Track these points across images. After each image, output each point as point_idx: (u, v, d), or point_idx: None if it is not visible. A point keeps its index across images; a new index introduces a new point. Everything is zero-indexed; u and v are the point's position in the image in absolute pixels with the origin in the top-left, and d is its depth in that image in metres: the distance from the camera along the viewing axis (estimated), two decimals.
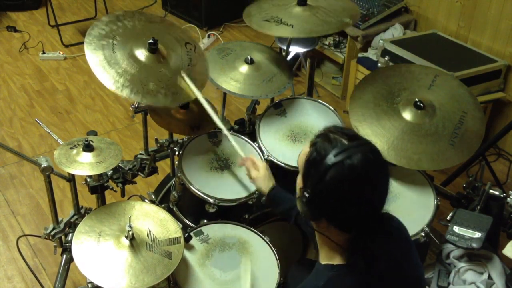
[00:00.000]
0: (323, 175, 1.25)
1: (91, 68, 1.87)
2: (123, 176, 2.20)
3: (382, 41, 3.34)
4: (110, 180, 2.15)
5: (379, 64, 3.34)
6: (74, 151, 1.94)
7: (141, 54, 1.97)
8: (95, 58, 1.89)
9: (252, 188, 2.03)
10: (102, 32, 1.98)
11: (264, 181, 1.88)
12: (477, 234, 2.04)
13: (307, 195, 1.29)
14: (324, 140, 1.30)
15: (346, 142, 1.28)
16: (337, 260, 1.34)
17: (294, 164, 2.11)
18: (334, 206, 1.28)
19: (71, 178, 2.04)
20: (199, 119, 2.14)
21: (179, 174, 2.03)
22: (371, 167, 1.27)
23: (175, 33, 2.13)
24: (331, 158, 1.25)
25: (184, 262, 1.82)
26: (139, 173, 2.25)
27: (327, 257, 1.37)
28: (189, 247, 1.87)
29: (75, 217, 2.09)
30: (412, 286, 1.45)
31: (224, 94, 2.36)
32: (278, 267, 1.85)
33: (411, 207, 2.04)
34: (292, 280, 1.86)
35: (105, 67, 1.88)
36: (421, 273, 1.52)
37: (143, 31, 2.02)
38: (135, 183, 2.30)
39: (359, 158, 1.25)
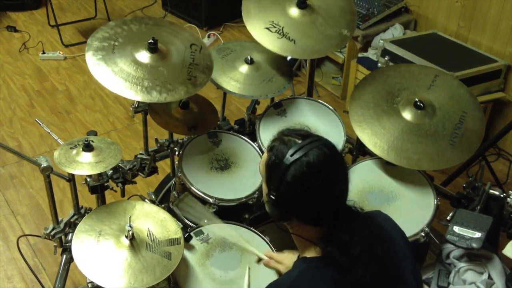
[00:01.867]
0: (283, 175, 1.32)
1: (89, 68, 1.90)
2: (123, 176, 2.20)
3: (382, 41, 3.34)
4: (110, 180, 2.15)
5: (379, 64, 3.34)
6: (74, 151, 1.94)
7: (141, 54, 1.98)
8: (93, 59, 1.94)
9: (252, 188, 2.03)
10: (106, 35, 2.03)
11: (291, 261, 1.76)
12: (477, 234, 2.04)
13: (273, 198, 1.36)
14: (280, 143, 1.38)
15: (300, 141, 1.35)
16: (311, 253, 1.40)
17: None
18: (300, 203, 1.35)
19: (71, 178, 2.04)
20: (197, 120, 2.14)
21: (179, 174, 2.03)
22: (328, 161, 1.34)
23: (181, 35, 2.15)
24: (288, 158, 1.33)
25: (184, 262, 1.82)
26: (139, 173, 2.25)
27: (303, 253, 1.44)
28: (189, 247, 1.87)
29: (75, 217, 2.09)
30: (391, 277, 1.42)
31: (224, 94, 2.36)
32: None
33: (411, 207, 2.03)
34: None
35: (101, 66, 1.92)
36: (405, 269, 1.45)
37: (147, 33, 2.04)
38: (135, 183, 2.30)
39: (315, 153, 1.32)
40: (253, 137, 2.22)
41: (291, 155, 1.32)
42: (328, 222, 1.36)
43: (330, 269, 1.34)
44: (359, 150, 2.34)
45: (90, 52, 1.98)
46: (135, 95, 1.90)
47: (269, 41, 2.19)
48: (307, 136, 1.38)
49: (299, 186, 1.33)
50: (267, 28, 2.21)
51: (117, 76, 1.91)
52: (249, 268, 1.81)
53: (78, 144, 1.96)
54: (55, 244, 2.08)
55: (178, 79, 1.98)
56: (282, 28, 2.21)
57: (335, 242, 1.34)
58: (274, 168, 1.36)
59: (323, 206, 1.35)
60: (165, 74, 1.97)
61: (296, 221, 1.39)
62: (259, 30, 2.21)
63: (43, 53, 4.23)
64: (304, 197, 1.34)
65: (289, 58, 2.56)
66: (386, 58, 3.28)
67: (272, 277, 1.82)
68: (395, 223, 1.53)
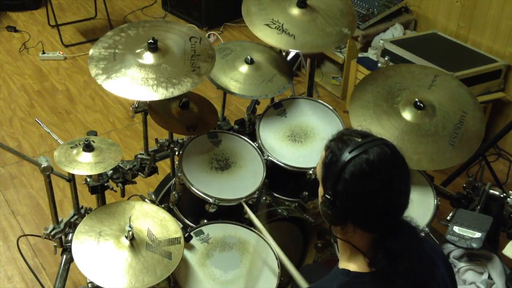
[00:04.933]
0: (341, 173, 1.24)
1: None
2: (123, 176, 2.20)
3: (382, 41, 3.34)
4: (110, 180, 2.15)
5: (379, 64, 3.34)
6: (74, 151, 1.94)
7: (142, 55, 2.00)
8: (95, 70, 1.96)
9: (252, 188, 2.03)
10: (106, 45, 2.04)
11: None
12: (477, 234, 2.04)
13: (328, 197, 1.27)
14: (338, 141, 1.30)
15: (360, 140, 1.28)
16: (356, 266, 1.32)
17: (294, 164, 2.11)
18: (356, 204, 1.26)
19: (71, 178, 2.04)
20: (196, 120, 2.14)
21: (179, 174, 2.03)
22: (389, 161, 1.26)
23: (179, 31, 2.16)
24: (346, 156, 1.24)
25: (184, 262, 1.82)
26: (139, 173, 2.25)
27: (346, 262, 1.36)
28: (190, 247, 1.87)
29: (75, 217, 2.09)
30: None
31: (224, 94, 2.36)
32: (278, 267, 1.85)
33: (411, 207, 2.01)
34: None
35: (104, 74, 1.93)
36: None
37: (146, 36, 2.06)
38: (135, 183, 2.30)
39: (375, 151, 1.24)
40: (253, 137, 2.22)
41: (350, 152, 1.24)
42: (382, 229, 1.28)
43: (373, 286, 1.28)
44: None
45: (93, 64, 1.98)
46: (143, 95, 1.91)
47: (269, 36, 2.19)
48: (367, 135, 1.30)
49: (357, 184, 1.24)
50: (267, 25, 2.21)
51: (123, 79, 1.93)
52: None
53: (79, 144, 1.96)
54: (55, 244, 2.08)
55: (182, 72, 1.99)
56: (282, 24, 2.21)
57: (386, 251, 1.27)
58: (331, 166, 1.27)
59: (381, 209, 1.26)
60: (169, 70, 1.98)
61: (351, 226, 1.29)
62: (259, 27, 2.21)
63: (43, 53, 4.22)
64: (362, 197, 1.24)
65: (289, 58, 2.56)
66: (386, 58, 3.28)
67: (273, 277, 1.82)
68: (439, 249, 1.47)
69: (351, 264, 1.33)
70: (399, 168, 1.28)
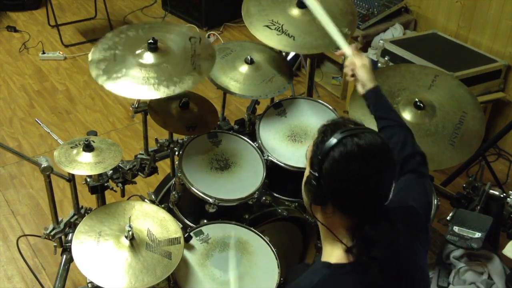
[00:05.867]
0: (330, 151, 1.24)
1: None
2: (123, 176, 2.20)
3: (382, 41, 3.34)
4: (110, 180, 2.15)
5: (379, 64, 3.34)
6: (74, 151, 1.94)
7: (143, 55, 1.99)
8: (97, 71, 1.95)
9: (252, 188, 2.03)
10: (106, 46, 2.03)
11: (369, 73, 1.84)
12: (477, 234, 2.04)
13: (314, 174, 1.27)
14: (331, 125, 1.31)
15: (353, 126, 1.29)
16: (336, 258, 1.33)
17: (294, 164, 2.11)
18: (340, 185, 1.26)
19: (71, 178, 2.04)
20: (196, 120, 2.14)
21: (179, 174, 2.03)
22: (380, 149, 1.26)
23: (179, 32, 2.16)
24: (337, 136, 1.25)
25: (184, 262, 1.82)
26: (139, 173, 2.25)
27: (327, 254, 1.36)
28: (189, 247, 1.87)
29: (75, 217, 2.09)
30: (409, 283, 1.43)
31: (224, 94, 2.36)
32: (278, 267, 1.85)
33: None
34: (290, 281, 1.86)
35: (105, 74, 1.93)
36: (423, 272, 1.47)
37: (145, 37, 2.06)
38: (135, 183, 2.30)
39: (367, 137, 1.25)
40: (253, 137, 2.22)
41: (341, 133, 1.25)
42: (362, 215, 1.28)
43: (354, 277, 1.28)
44: None
45: (93, 66, 1.98)
46: (145, 94, 1.91)
47: (269, 38, 2.19)
48: (361, 124, 1.32)
49: (344, 165, 1.24)
50: (267, 26, 2.21)
51: (124, 79, 1.93)
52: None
53: (79, 144, 1.96)
54: (55, 244, 2.08)
55: (183, 71, 1.99)
56: (282, 25, 2.21)
57: (363, 238, 1.27)
58: (321, 146, 1.27)
59: (364, 194, 1.25)
60: (170, 68, 1.98)
61: (331, 207, 1.29)
62: (259, 28, 2.21)
63: (43, 53, 4.22)
64: (347, 179, 1.24)
65: (289, 58, 2.56)
66: (386, 58, 3.28)
67: (273, 277, 1.82)
68: (421, 222, 1.46)
69: (332, 256, 1.34)
70: (387, 159, 1.29)
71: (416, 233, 1.45)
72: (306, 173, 1.34)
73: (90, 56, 2.00)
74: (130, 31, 2.11)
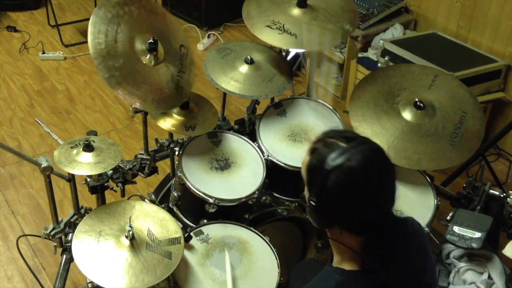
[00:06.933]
0: (324, 181, 1.25)
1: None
2: (123, 176, 2.20)
3: (382, 41, 3.34)
4: (110, 180, 2.15)
5: (379, 64, 3.34)
6: (74, 151, 1.94)
7: (140, 51, 1.96)
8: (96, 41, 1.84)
9: (252, 188, 2.03)
10: (109, 14, 1.90)
11: None
12: (477, 234, 2.04)
13: (313, 204, 1.28)
14: (322, 145, 1.30)
15: (344, 145, 1.27)
16: (349, 265, 1.33)
17: (294, 164, 2.11)
18: (341, 211, 1.27)
19: (71, 178, 2.03)
20: (196, 120, 2.14)
21: (179, 174, 2.03)
22: (372, 167, 1.26)
23: (174, 31, 2.14)
24: (329, 163, 1.25)
25: (184, 262, 1.82)
26: (139, 173, 2.25)
27: (339, 261, 1.36)
28: (189, 247, 1.87)
29: (75, 217, 2.09)
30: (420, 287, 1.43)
31: (224, 94, 2.36)
32: (278, 267, 1.85)
33: (411, 207, 2.03)
34: (293, 280, 1.86)
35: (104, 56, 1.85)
36: (432, 278, 1.48)
37: (146, 23, 1.99)
38: (135, 183, 2.30)
39: (358, 159, 1.24)
40: (253, 137, 2.22)
41: (333, 160, 1.24)
42: (370, 231, 1.29)
43: (367, 283, 1.29)
44: None
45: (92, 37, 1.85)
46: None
47: (271, 37, 2.19)
48: (352, 139, 1.29)
49: (340, 193, 1.25)
50: (268, 26, 2.21)
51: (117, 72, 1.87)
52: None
53: (79, 144, 1.96)
54: (55, 244, 2.08)
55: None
56: (283, 25, 2.21)
57: (375, 254, 1.28)
58: (315, 173, 1.28)
59: (366, 214, 1.27)
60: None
61: (337, 229, 1.31)
62: (261, 29, 2.21)
63: (43, 53, 4.22)
64: (347, 204, 1.26)
65: (289, 58, 2.56)
66: (386, 58, 3.27)
67: (273, 277, 1.82)
68: (424, 232, 1.50)
69: (344, 263, 1.34)
70: (383, 173, 1.29)
71: (423, 238, 1.46)
72: (306, 195, 1.35)
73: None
74: (133, 7, 1.97)
